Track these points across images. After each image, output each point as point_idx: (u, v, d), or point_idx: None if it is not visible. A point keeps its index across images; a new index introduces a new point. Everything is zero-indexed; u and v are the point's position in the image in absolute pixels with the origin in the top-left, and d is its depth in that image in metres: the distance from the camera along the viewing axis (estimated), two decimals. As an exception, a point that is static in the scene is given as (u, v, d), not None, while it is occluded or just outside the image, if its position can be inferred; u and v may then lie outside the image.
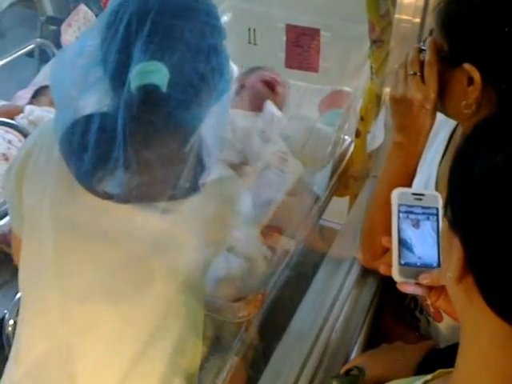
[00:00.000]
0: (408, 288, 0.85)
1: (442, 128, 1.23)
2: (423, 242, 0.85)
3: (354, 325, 1.19)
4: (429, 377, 0.74)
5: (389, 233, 1.16)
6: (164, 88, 0.90)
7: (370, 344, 1.20)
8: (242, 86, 1.90)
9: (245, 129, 1.75)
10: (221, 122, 1.03)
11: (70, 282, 1.02)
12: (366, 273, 1.28)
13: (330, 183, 1.71)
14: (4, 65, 1.98)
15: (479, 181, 0.59)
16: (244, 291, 1.27)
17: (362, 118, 1.66)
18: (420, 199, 0.87)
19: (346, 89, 1.88)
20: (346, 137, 1.84)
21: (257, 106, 1.83)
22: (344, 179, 1.78)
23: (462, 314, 0.65)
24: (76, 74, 0.97)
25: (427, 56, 1.02)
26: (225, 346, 1.24)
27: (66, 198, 1.00)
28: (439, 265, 0.83)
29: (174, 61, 0.91)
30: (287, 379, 1.08)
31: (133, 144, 0.89)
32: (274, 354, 1.14)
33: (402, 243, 0.86)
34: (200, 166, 0.96)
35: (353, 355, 1.16)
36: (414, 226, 0.86)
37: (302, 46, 1.93)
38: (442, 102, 1.06)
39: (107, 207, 0.96)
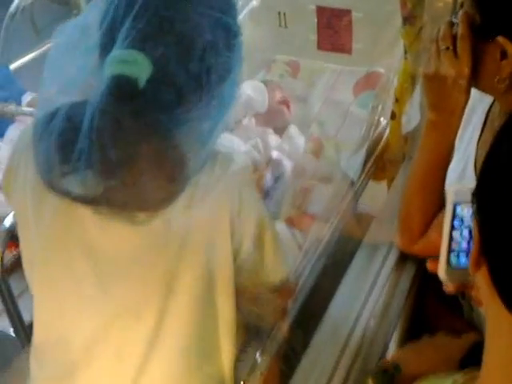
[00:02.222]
0: (453, 290, 0.81)
1: (480, 103, 1.15)
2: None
3: (392, 311, 1.13)
4: (458, 376, 0.69)
5: (426, 216, 1.12)
6: (141, 82, 0.78)
7: (412, 330, 1.15)
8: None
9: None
10: (212, 132, 0.88)
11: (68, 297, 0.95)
12: (405, 257, 1.22)
13: (366, 167, 1.65)
14: (37, 58, 1.98)
15: (503, 167, 0.55)
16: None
17: (396, 100, 1.59)
18: None
19: (381, 69, 1.81)
20: (382, 119, 1.78)
21: (271, 124, 1.78)
22: (380, 163, 1.71)
23: (486, 310, 0.60)
24: (71, 56, 0.86)
25: (459, 29, 0.95)
26: (260, 336, 1.20)
27: (43, 205, 0.89)
28: None
29: (158, 54, 0.79)
30: (324, 370, 1.04)
31: (97, 140, 0.77)
32: (309, 344, 1.10)
33: (453, 243, 0.80)
34: (171, 178, 0.83)
35: (392, 343, 1.12)
36: (468, 225, 0.80)
37: (333, 28, 1.87)
38: (476, 77, 0.99)
39: (82, 215, 0.86)
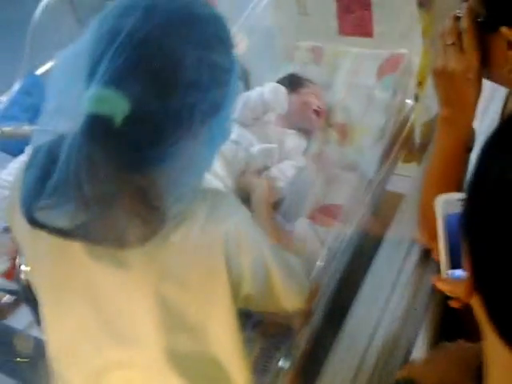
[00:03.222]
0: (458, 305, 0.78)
1: (497, 91, 1.10)
2: None
3: (416, 311, 1.10)
4: None
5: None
6: (116, 121, 0.74)
7: (445, 331, 1.11)
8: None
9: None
10: (198, 169, 0.85)
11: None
12: (428, 253, 1.18)
13: (393, 151, 1.60)
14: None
15: (493, 187, 0.50)
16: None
17: (419, 83, 1.53)
18: None
19: (404, 51, 1.73)
20: (408, 101, 1.71)
21: (294, 126, 1.71)
22: (408, 145, 1.66)
23: (483, 335, 0.56)
24: (65, 84, 0.83)
25: (464, 23, 0.90)
26: (283, 339, 1.18)
27: (38, 240, 0.87)
28: None
29: (135, 92, 0.75)
30: (346, 375, 1.02)
31: (72, 175, 0.74)
32: (331, 348, 1.08)
33: (452, 257, 0.76)
34: (145, 217, 0.79)
35: (418, 346, 1.08)
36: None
37: (353, 12, 1.79)
38: (486, 69, 0.94)
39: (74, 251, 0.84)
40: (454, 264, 0.77)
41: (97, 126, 0.75)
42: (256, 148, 1.55)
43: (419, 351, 1.07)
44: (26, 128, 1.42)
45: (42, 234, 0.81)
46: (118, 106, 0.74)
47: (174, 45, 0.77)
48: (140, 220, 0.79)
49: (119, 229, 0.78)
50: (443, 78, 0.96)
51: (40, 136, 0.84)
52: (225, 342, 0.93)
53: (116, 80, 0.75)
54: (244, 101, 1.65)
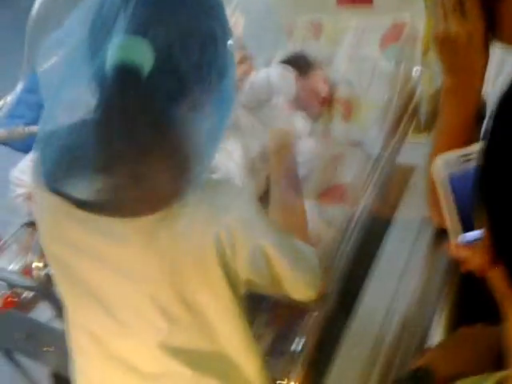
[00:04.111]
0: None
1: (508, 55, 1.01)
2: None
3: (431, 293, 1.03)
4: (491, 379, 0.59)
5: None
6: (144, 70, 0.72)
7: (467, 312, 1.04)
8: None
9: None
10: (215, 129, 0.83)
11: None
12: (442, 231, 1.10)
13: (400, 124, 1.52)
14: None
15: None
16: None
17: (426, 50, 1.44)
18: (472, 159, 0.69)
19: (406, 19, 1.63)
20: (414, 70, 1.62)
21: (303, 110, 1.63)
22: (416, 117, 1.57)
23: (503, 314, 0.49)
24: (64, 68, 0.81)
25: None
26: (298, 322, 1.13)
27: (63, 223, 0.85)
28: None
29: (159, 41, 0.73)
30: (360, 361, 0.96)
31: (105, 133, 0.73)
32: (345, 332, 1.02)
33: (463, 219, 0.69)
34: (182, 169, 0.77)
35: (434, 326, 1.01)
36: (469, 193, 0.69)
37: (350, -20, 1.71)
38: (496, 32, 0.85)
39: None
40: (465, 227, 0.70)
41: (127, 75, 0.72)
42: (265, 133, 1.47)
43: (436, 334, 1.01)
44: (20, 130, 1.37)
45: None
46: (146, 54, 0.72)
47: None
48: (180, 170, 0.77)
49: (151, 186, 0.76)
50: (445, 45, 0.87)
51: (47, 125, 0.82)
52: (227, 333, 0.91)
53: (141, 28, 0.73)
54: (249, 85, 1.56)
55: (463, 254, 0.76)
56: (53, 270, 0.96)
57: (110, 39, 0.74)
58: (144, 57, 0.72)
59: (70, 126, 0.77)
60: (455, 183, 0.69)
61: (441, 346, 0.84)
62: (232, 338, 0.92)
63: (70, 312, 0.97)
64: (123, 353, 0.93)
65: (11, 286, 1.43)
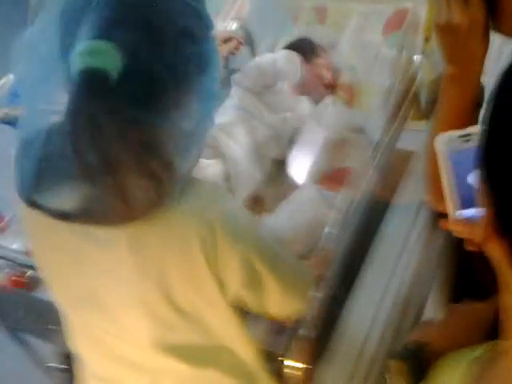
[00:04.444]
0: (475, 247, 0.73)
1: (506, 45, 1.03)
2: None
3: (426, 272, 1.06)
4: (480, 350, 0.62)
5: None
6: (112, 75, 0.67)
7: (461, 289, 1.07)
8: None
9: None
10: (198, 128, 0.78)
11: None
12: (438, 214, 1.13)
13: (400, 110, 1.54)
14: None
15: None
16: (309, 247, 1.17)
17: (427, 38, 1.46)
18: (471, 139, 0.71)
19: (408, 6, 1.65)
20: (415, 57, 1.64)
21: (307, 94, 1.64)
22: (416, 103, 1.59)
23: (503, 287, 0.52)
24: (37, 66, 0.76)
25: (467, -29, 0.83)
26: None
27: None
28: None
29: (128, 43, 0.69)
30: (356, 338, 0.99)
31: (74, 144, 0.68)
32: (342, 312, 1.05)
33: (460, 197, 0.72)
34: (158, 177, 0.72)
35: (429, 304, 1.05)
36: (470, 174, 0.71)
37: (354, -35, 1.71)
38: (496, 21, 0.87)
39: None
40: (464, 204, 0.73)
41: (93, 82, 0.67)
42: (273, 118, 1.48)
43: (431, 311, 1.04)
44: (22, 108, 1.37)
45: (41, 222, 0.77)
46: (112, 59, 0.68)
47: None
48: (155, 179, 0.72)
49: (128, 196, 0.72)
50: (447, 33, 0.89)
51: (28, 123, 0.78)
52: (219, 328, 0.90)
53: (105, 31, 0.69)
54: (255, 68, 1.58)
55: (461, 229, 0.79)
56: (45, 278, 0.94)
57: (76, 43, 0.70)
58: (110, 61, 0.68)
59: (43, 134, 0.74)
60: (455, 161, 0.72)
61: (436, 321, 0.87)
62: (225, 331, 0.91)
63: (67, 313, 0.97)
64: (121, 351, 0.93)
65: (16, 265, 1.44)
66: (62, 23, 0.73)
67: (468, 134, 0.71)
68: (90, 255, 0.83)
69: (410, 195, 1.16)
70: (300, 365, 0.98)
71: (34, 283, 1.44)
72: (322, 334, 1.06)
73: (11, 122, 1.71)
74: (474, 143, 0.70)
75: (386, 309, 1.00)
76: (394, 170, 1.34)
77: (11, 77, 1.79)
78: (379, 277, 1.05)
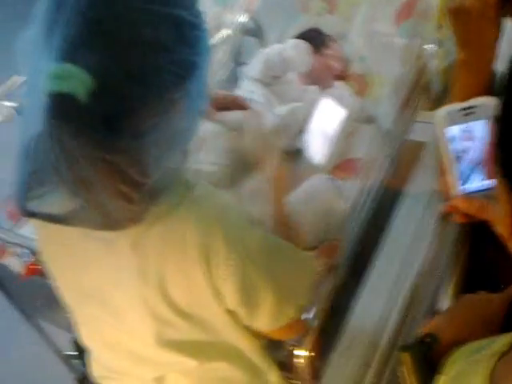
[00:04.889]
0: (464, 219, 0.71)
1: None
2: (486, 160, 0.69)
3: (440, 263, 1.04)
4: (498, 342, 0.60)
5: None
6: (81, 97, 0.65)
7: (473, 282, 1.05)
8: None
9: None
10: (178, 140, 0.76)
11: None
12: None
13: (412, 100, 1.51)
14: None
15: None
16: (319, 238, 1.16)
17: (440, 26, 1.43)
18: (473, 112, 0.69)
19: (421, -7, 1.62)
20: (428, 46, 1.61)
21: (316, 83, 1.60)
22: (428, 92, 1.57)
23: None
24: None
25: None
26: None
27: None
28: None
29: (93, 62, 0.66)
30: (369, 332, 0.97)
31: (51, 162, 0.67)
32: (354, 302, 1.04)
33: (462, 172, 0.70)
34: (129, 197, 0.71)
35: (444, 296, 1.02)
36: (469, 146, 0.69)
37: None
38: (508, 6, 0.85)
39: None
40: (464, 180, 0.70)
41: (60, 106, 0.65)
42: (283, 109, 1.46)
43: (444, 302, 1.02)
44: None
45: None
46: (79, 81, 0.65)
47: (123, 5, 0.68)
48: (125, 200, 0.71)
49: (106, 211, 0.71)
50: (460, 17, 0.87)
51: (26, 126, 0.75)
52: (220, 326, 0.89)
53: (71, 52, 0.66)
54: (263, 59, 1.56)
55: (463, 205, 0.77)
56: (50, 272, 0.94)
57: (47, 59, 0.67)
58: (76, 83, 0.65)
59: (31, 144, 0.73)
60: (455, 135, 0.69)
61: (446, 312, 0.85)
62: (227, 331, 0.90)
63: (72, 308, 0.97)
64: (127, 345, 0.93)
65: (33, 253, 1.45)
66: (43, 30, 0.70)
67: (470, 107, 0.69)
68: (95, 252, 0.83)
69: (422, 185, 1.14)
70: (304, 352, 0.96)
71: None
72: (331, 324, 1.05)
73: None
74: (475, 116, 0.68)
75: (398, 299, 0.98)
76: (405, 160, 1.32)
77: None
78: (391, 266, 1.04)
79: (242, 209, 0.90)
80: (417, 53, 1.58)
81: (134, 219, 0.75)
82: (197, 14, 0.74)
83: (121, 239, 0.79)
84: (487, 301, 0.81)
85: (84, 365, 1.78)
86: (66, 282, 0.93)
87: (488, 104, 0.68)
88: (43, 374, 2.15)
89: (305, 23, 1.78)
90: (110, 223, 0.74)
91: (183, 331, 0.87)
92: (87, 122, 0.66)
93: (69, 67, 0.65)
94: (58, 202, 0.73)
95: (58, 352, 1.79)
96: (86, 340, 1.00)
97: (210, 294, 0.82)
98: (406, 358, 0.73)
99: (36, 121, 0.67)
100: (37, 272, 1.42)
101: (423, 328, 0.78)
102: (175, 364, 0.92)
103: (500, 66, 0.98)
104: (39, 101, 0.66)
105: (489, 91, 0.95)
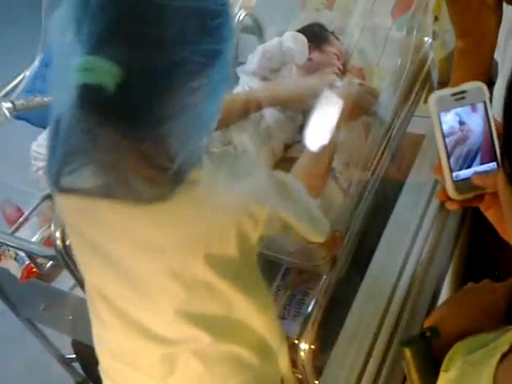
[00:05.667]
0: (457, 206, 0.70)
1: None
2: (476, 146, 0.69)
3: (441, 253, 1.03)
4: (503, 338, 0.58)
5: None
6: (109, 89, 0.68)
7: (473, 270, 1.04)
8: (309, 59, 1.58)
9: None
10: (201, 125, 0.79)
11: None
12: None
13: (412, 93, 1.50)
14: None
15: None
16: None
17: (436, 18, 1.42)
18: (463, 97, 0.68)
19: (418, -14, 1.60)
20: (426, 39, 1.59)
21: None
22: (428, 85, 1.55)
23: None
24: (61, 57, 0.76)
25: None
26: (311, 286, 1.13)
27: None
28: (499, 165, 0.66)
29: (120, 55, 0.69)
30: (371, 323, 0.96)
31: (82, 145, 0.72)
32: (356, 294, 1.03)
33: (452, 156, 0.69)
34: (157, 178, 0.76)
35: (444, 285, 1.02)
36: (462, 131, 0.68)
37: None
38: None
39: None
40: (459, 165, 0.69)
41: (88, 97, 0.69)
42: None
43: (447, 293, 1.01)
44: (38, 99, 1.36)
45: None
46: (107, 72, 0.69)
47: (147, 0, 0.71)
48: (152, 183, 0.75)
49: (134, 191, 0.76)
50: (458, 5, 0.86)
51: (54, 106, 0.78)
52: (240, 300, 0.90)
53: (99, 46, 0.69)
54: (261, 52, 1.54)
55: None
56: (72, 241, 0.97)
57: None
58: (104, 75, 0.69)
59: (59, 121, 0.76)
60: (447, 120, 0.69)
61: (448, 303, 0.84)
62: (244, 304, 0.92)
63: (89, 281, 0.97)
64: (141, 319, 0.93)
65: (33, 256, 1.44)
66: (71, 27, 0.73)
67: (461, 92, 0.68)
68: (121, 223, 0.85)
69: (422, 177, 1.13)
70: (304, 345, 0.96)
71: (53, 274, 1.45)
72: (332, 316, 1.04)
73: (27, 117, 1.71)
74: (467, 101, 0.67)
75: (402, 290, 0.97)
76: (406, 151, 1.30)
77: (27, 73, 1.79)
78: (394, 258, 1.02)
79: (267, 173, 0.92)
80: (415, 45, 1.56)
81: (161, 198, 0.77)
82: (221, 2, 0.76)
83: (151, 211, 0.81)
84: (491, 290, 0.80)
85: (84, 368, 1.79)
86: (86, 253, 0.94)
87: (479, 88, 0.68)
88: (43, 377, 2.14)
89: (304, 19, 1.76)
90: (139, 200, 0.77)
91: (205, 302, 0.89)
92: (114, 112, 0.70)
93: (97, 60, 0.69)
94: (88, 177, 0.77)
95: (58, 355, 1.79)
96: (101, 318, 0.99)
97: (239, 249, 0.85)
98: (406, 352, 0.72)
99: (62, 104, 0.71)
100: (34, 275, 1.42)
101: (426, 321, 0.77)
102: (189, 340, 0.92)
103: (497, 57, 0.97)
104: (66, 86, 0.70)
105: (489, 83, 0.93)
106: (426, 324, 0.77)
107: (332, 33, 1.66)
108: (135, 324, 0.94)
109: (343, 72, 1.63)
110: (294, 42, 1.53)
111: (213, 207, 0.81)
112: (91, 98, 0.69)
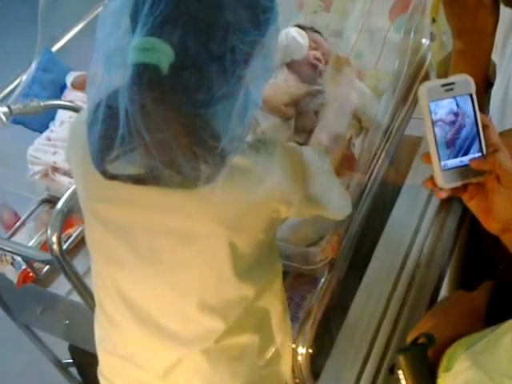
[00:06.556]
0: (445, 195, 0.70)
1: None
2: (463, 136, 0.70)
3: (440, 254, 1.02)
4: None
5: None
6: (163, 69, 0.74)
7: (472, 269, 1.03)
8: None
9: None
10: (244, 111, 0.82)
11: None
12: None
13: (410, 95, 1.49)
14: (78, 36, 1.92)
15: None
16: (319, 233, 1.14)
17: (433, 20, 1.41)
18: (451, 89, 0.69)
19: (416, -13, 1.60)
20: (424, 40, 1.59)
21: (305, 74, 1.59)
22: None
23: None
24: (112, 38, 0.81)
25: None
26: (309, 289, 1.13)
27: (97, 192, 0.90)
28: (484, 155, 0.69)
29: (176, 38, 0.74)
30: (370, 323, 0.96)
31: (132, 125, 0.76)
32: (355, 297, 1.02)
33: (440, 145, 0.69)
34: (203, 159, 0.79)
35: (443, 286, 1.01)
36: (450, 122, 0.69)
37: None
38: None
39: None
40: (448, 154, 0.70)
41: (144, 75, 0.74)
42: None
43: (445, 295, 1.01)
44: (35, 104, 1.36)
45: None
46: (163, 54, 0.74)
47: None
48: (200, 161, 0.79)
49: (181, 171, 0.79)
50: (455, 6, 0.86)
51: (94, 91, 0.82)
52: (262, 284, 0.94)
53: (158, 27, 0.74)
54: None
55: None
56: (89, 229, 0.97)
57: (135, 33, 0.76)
58: (160, 56, 0.74)
59: (105, 114, 0.80)
60: (437, 110, 0.69)
61: (438, 311, 0.84)
62: (265, 287, 0.95)
63: (105, 278, 0.97)
64: (158, 318, 0.94)
65: (29, 260, 1.44)
66: (129, 10, 0.79)
67: (451, 83, 0.69)
68: (156, 208, 0.87)
69: (423, 178, 1.12)
70: (302, 350, 0.97)
71: (50, 279, 1.44)
72: (333, 318, 1.04)
73: (24, 122, 1.70)
74: (455, 93, 0.68)
75: (400, 291, 0.97)
76: (404, 153, 1.30)
77: (24, 78, 1.78)
78: (393, 259, 1.02)
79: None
80: (413, 47, 1.56)
81: (207, 180, 0.80)
82: None
83: (187, 199, 0.84)
84: (468, 299, 0.82)
85: (80, 373, 1.78)
86: (115, 248, 0.94)
87: (466, 80, 0.68)
88: (41, 382, 2.14)
89: (301, 21, 1.76)
90: (184, 182, 0.80)
91: (234, 290, 0.91)
92: (168, 90, 0.75)
93: (154, 40, 0.74)
94: (136, 162, 0.80)
95: (55, 360, 1.78)
96: (110, 314, 1.00)
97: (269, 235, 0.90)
98: (402, 361, 0.72)
99: (102, 91, 0.78)
100: (30, 280, 1.41)
101: (414, 330, 0.77)
102: (202, 337, 0.93)
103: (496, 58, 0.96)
104: (112, 72, 0.77)
105: (487, 84, 0.93)
106: (419, 331, 0.76)
107: (316, 34, 1.66)
108: (151, 323, 0.94)
109: (326, 61, 1.62)
110: (298, 35, 1.54)
111: (250, 192, 0.84)
112: (148, 77, 0.74)
